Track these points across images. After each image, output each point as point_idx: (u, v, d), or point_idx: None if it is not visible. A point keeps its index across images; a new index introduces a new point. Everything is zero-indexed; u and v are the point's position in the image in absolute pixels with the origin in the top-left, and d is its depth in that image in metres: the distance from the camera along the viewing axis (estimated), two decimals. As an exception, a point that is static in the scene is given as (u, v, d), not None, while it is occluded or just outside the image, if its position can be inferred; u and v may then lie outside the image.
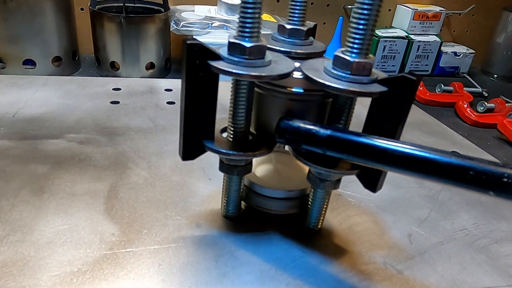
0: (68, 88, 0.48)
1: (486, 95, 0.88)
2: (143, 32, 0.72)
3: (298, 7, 0.29)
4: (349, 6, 0.94)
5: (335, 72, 0.23)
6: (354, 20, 0.22)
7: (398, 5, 0.96)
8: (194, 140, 0.25)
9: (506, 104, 0.77)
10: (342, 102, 0.25)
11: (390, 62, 0.93)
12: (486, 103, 0.79)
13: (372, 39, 0.23)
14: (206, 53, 0.23)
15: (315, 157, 0.25)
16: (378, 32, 0.90)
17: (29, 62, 0.70)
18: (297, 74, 0.25)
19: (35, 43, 0.68)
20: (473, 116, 0.76)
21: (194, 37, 0.74)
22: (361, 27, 0.22)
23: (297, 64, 0.27)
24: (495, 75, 1.02)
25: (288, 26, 0.29)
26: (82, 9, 0.82)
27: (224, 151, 0.25)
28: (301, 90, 0.25)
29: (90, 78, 0.52)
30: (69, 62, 0.75)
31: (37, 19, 0.67)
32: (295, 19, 0.29)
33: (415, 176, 0.20)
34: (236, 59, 0.23)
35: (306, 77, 0.23)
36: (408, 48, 0.91)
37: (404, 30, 0.93)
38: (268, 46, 0.28)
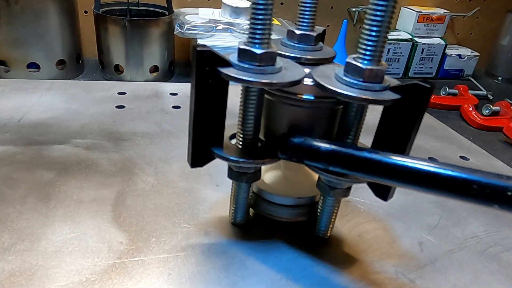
0: (72, 92, 0.48)
1: (491, 97, 0.88)
2: (147, 35, 0.72)
3: (307, 13, 0.28)
4: (353, 9, 0.93)
5: (347, 79, 0.23)
6: (367, 27, 0.22)
7: (402, 8, 0.96)
8: (203, 147, 0.25)
9: (512, 107, 0.77)
10: (354, 110, 0.24)
11: (394, 65, 0.93)
12: (491, 106, 0.79)
13: (384, 45, 0.22)
14: (216, 59, 0.23)
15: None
16: (382, 35, 0.90)
17: (33, 66, 0.70)
18: (307, 81, 0.25)
19: (39, 47, 0.68)
20: (479, 119, 0.76)
21: (198, 40, 0.74)
22: (374, 33, 0.22)
23: (307, 70, 0.27)
24: (500, 78, 1.02)
25: (297, 32, 0.28)
26: (86, 12, 0.82)
27: (233, 158, 0.24)
28: (312, 97, 0.25)
29: (94, 82, 0.51)
30: (73, 65, 0.75)
31: (41, 22, 0.67)
32: (304, 24, 0.28)
33: (418, 190, 0.20)
34: (246, 65, 0.23)
35: (317, 84, 0.23)
36: (412, 50, 0.91)
37: (408, 33, 0.93)
38: (278, 52, 0.28)
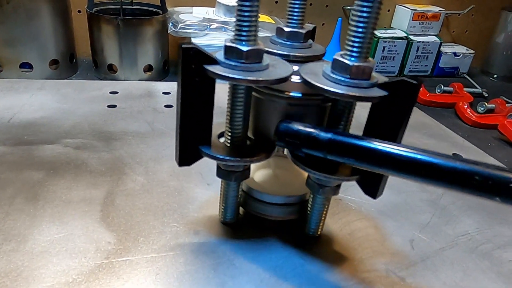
0: (64, 92, 0.47)
1: (486, 95, 0.88)
2: (140, 35, 0.72)
3: (296, 10, 0.28)
4: (348, 7, 0.93)
5: (334, 76, 0.22)
6: (353, 23, 0.22)
7: (397, 6, 0.96)
8: (191, 145, 0.25)
9: (507, 105, 0.77)
10: (342, 106, 0.24)
11: (389, 63, 0.93)
12: (486, 104, 0.79)
13: (372, 42, 0.22)
14: (202, 57, 0.22)
15: (314, 163, 0.25)
16: (377, 33, 0.90)
17: (26, 66, 0.69)
18: (295, 78, 0.24)
19: (31, 47, 0.68)
20: (473, 117, 0.75)
21: (192, 39, 0.73)
22: (360, 30, 0.21)
23: (295, 68, 0.26)
24: (495, 75, 1.02)
25: (286, 29, 0.28)
26: (79, 11, 0.82)
27: (220, 157, 0.24)
28: (300, 95, 0.24)
29: (87, 82, 0.51)
30: (66, 65, 0.75)
31: (34, 22, 0.67)
32: (293, 21, 0.28)
33: (419, 181, 0.20)
34: (233, 63, 0.22)
35: (305, 81, 0.23)
36: (407, 48, 0.91)
37: (403, 31, 0.93)
38: (266, 49, 0.28)
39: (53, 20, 0.69)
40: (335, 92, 0.22)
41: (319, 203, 0.27)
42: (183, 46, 0.22)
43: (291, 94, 0.24)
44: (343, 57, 0.22)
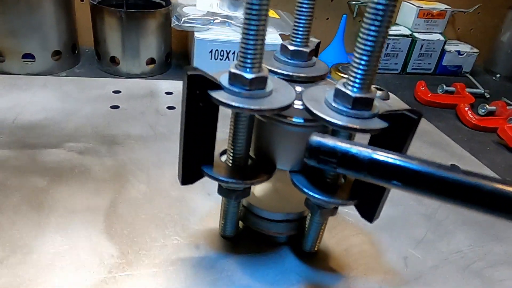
0: (67, 89, 0.48)
1: (488, 96, 0.88)
2: (143, 27, 0.71)
3: (301, 28, 0.28)
4: (353, 2, 0.92)
5: (335, 105, 0.23)
6: (357, 55, 0.22)
7: (403, 2, 0.94)
8: (194, 165, 0.25)
9: (508, 107, 0.77)
10: (343, 133, 0.25)
11: (392, 60, 0.92)
12: (487, 106, 0.79)
13: (376, 73, 0.22)
14: (206, 83, 0.23)
15: (313, 184, 0.25)
16: (382, 30, 0.89)
17: (28, 56, 0.69)
18: (298, 103, 0.25)
19: (34, 37, 0.68)
20: (474, 119, 0.76)
21: (195, 33, 0.73)
22: (363, 62, 0.22)
23: (298, 89, 0.27)
24: (498, 75, 1.02)
25: (290, 47, 0.28)
26: (82, 0, 0.81)
27: (222, 178, 0.25)
28: (301, 120, 0.25)
29: (89, 79, 0.51)
30: (69, 56, 0.74)
31: (36, 12, 0.66)
32: (298, 40, 0.28)
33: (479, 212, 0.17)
34: (236, 89, 0.23)
35: (307, 109, 0.23)
36: (411, 46, 0.91)
37: (408, 28, 0.92)
38: (270, 68, 0.28)
39: (55, 10, 0.69)
40: (335, 123, 0.22)
41: (316, 222, 0.28)
42: (189, 73, 0.22)
43: (293, 119, 0.25)
44: (345, 87, 0.23)
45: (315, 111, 0.23)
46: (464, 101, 0.82)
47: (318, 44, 0.32)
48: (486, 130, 0.75)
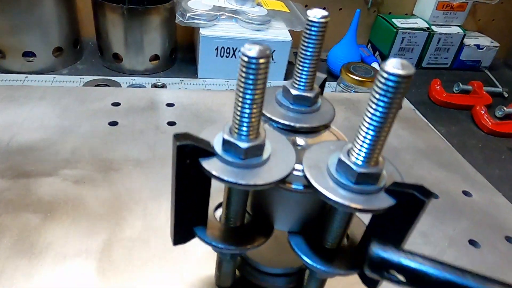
0: (65, 103, 0.46)
1: (507, 95, 0.84)
2: (147, 23, 0.68)
3: (305, 72, 0.26)
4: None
5: (338, 177, 0.21)
6: (364, 127, 0.20)
7: (421, -7, 0.89)
8: (186, 225, 0.24)
9: (527, 112, 0.74)
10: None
11: (407, 55, 0.88)
12: (504, 108, 0.76)
13: (383, 147, 0.20)
14: (198, 152, 0.21)
15: (312, 249, 0.24)
16: (397, 23, 0.85)
17: (29, 54, 0.68)
18: (298, 167, 0.23)
19: (34, 34, 0.66)
20: (490, 123, 0.73)
21: (201, 30, 0.70)
22: (370, 137, 0.20)
23: (301, 142, 0.25)
24: (519, 70, 0.97)
25: (293, 92, 0.26)
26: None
27: (215, 244, 0.23)
28: (301, 187, 0.23)
29: (89, 90, 0.49)
30: (71, 52, 0.72)
31: (36, 8, 0.64)
32: (301, 84, 0.26)
33: None
34: (230, 159, 0.21)
35: (306, 179, 0.21)
36: (428, 40, 0.86)
37: (425, 20, 0.87)
38: (269, 116, 0.26)
39: (56, 5, 0.66)
40: (337, 201, 0.20)
41: (315, 278, 0.26)
42: (178, 143, 0.20)
43: (292, 186, 0.23)
44: (349, 157, 0.21)
45: (315, 185, 0.21)
46: (481, 102, 0.78)
47: (325, 81, 0.30)
48: (503, 136, 0.72)
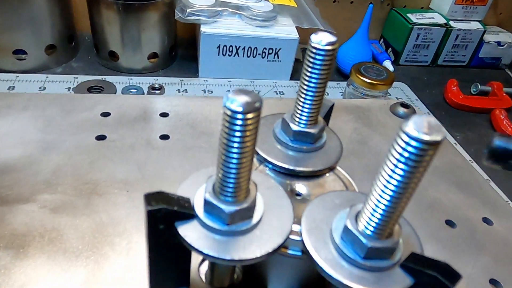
0: (51, 113, 0.43)
1: (528, 98, 0.78)
2: (144, 20, 0.64)
3: (307, 107, 0.22)
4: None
5: (345, 250, 0.17)
6: (376, 194, 0.16)
7: (439, -14, 0.83)
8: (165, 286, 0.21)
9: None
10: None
11: (422, 52, 0.83)
12: (526, 114, 0.71)
13: (400, 217, 0.17)
14: (173, 215, 0.17)
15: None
16: (413, 18, 0.79)
17: (20, 52, 0.64)
18: (296, 227, 0.19)
19: (25, 31, 0.62)
20: (510, 129, 0.68)
21: (201, 27, 0.66)
22: (384, 207, 0.16)
23: (301, 189, 0.21)
24: (542, 69, 0.91)
25: (293, 127, 0.23)
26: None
27: (199, 313, 0.20)
28: (299, 253, 0.19)
29: (77, 98, 0.46)
30: (65, 49, 0.69)
31: (27, 4, 0.60)
32: (303, 119, 0.23)
33: None
34: (213, 224, 0.17)
35: (305, 249, 0.18)
36: (445, 36, 0.81)
37: (442, 15, 0.82)
38: (265, 156, 0.22)
39: (48, 1, 0.62)
40: (339, 281, 0.17)
41: None
42: (149, 209, 0.17)
43: (289, 251, 0.19)
44: (357, 226, 0.17)
45: (315, 259, 0.17)
46: (500, 105, 0.73)
47: (331, 109, 0.26)
48: (523, 143, 0.67)
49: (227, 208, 0.17)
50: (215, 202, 0.17)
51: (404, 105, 0.53)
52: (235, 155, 0.16)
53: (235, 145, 0.15)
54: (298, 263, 0.20)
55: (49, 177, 0.35)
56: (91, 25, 0.67)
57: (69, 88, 0.62)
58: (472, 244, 0.36)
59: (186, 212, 0.18)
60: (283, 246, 0.19)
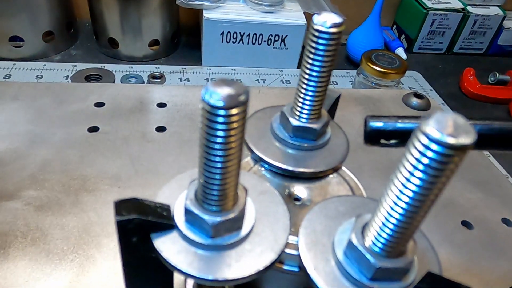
0: (41, 104, 0.40)
1: (550, 88, 0.74)
2: (144, 6, 0.61)
3: (309, 100, 0.20)
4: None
5: (347, 267, 0.15)
6: (386, 206, 0.13)
7: (457, -32, 0.79)
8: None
9: None
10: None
11: (437, 39, 0.79)
12: (548, 105, 0.67)
13: (414, 233, 0.14)
14: (149, 225, 0.15)
15: None
16: (428, 2, 0.75)
17: (17, 39, 0.62)
18: (293, 239, 0.17)
19: (21, 17, 0.59)
20: (531, 122, 0.64)
21: (204, 12, 0.63)
22: (395, 222, 0.13)
23: (300, 192, 0.19)
24: None
25: (293, 122, 0.20)
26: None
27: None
28: (296, 269, 0.17)
29: (71, 87, 0.44)
30: (63, 36, 0.66)
31: (22, -12, 0.58)
32: (304, 113, 0.20)
33: None
34: (194, 236, 0.15)
35: (302, 267, 0.15)
36: (462, 22, 0.76)
37: (459, 0, 0.77)
38: (261, 155, 0.20)
39: (45, -16, 0.60)
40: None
41: None
42: (118, 218, 0.14)
43: (284, 267, 0.17)
44: (364, 242, 0.14)
45: (314, 279, 0.15)
46: (519, 96, 0.69)
47: (337, 101, 0.24)
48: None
49: (211, 219, 0.14)
50: (196, 211, 0.15)
51: (418, 95, 0.49)
52: (218, 158, 0.13)
53: (217, 146, 0.13)
54: (296, 279, 0.18)
55: (36, 172, 0.33)
56: (90, 11, 0.64)
57: (67, 77, 0.60)
58: (491, 248, 0.33)
59: (163, 222, 0.15)
60: (278, 261, 0.17)
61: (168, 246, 0.15)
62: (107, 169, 0.34)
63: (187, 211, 0.15)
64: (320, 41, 0.17)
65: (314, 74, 0.18)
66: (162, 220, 0.15)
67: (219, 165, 0.13)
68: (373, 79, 0.62)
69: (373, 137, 0.17)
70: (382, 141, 0.17)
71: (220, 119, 0.12)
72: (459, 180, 0.39)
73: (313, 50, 0.18)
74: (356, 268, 0.15)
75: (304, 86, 0.19)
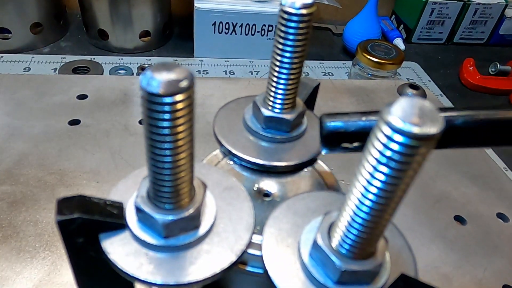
0: (22, 96, 0.39)
1: (552, 78, 0.72)
2: (134, -5, 0.60)
3: (282, 88, 0.18)
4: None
5: (312, 270, 0.13)
6: (351, 205, 0.12)
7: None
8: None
9: None
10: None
11: (436, 29, 0.77)
12: (550, 96, 0.65)
13: (383, 232, 0.13)
14: (94, 226, 0.14)
15: None
16: (427, -9, 0.73)
17: (4, 31, 0.60)
18: (257, 238, 0.16)
19: (8, 8, 0.58)
20: (531, 113, 0.62)
21: (195, 2, 0.61)
22: (361, 221, 0.12)
23: (270, 187, 0.17)
24: None
25: (265, 113, 0.19)
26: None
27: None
28: (260, 271, 0.16)
29: (53, 78, 0.42)
30: (52, 27, 0.65)
31: (8, -22, 0.56)
32: (277, 103, 0.19)
33: None
34: (146, 237, 0.14)
35: (266, 273, 0.14)
36: (462, 11, 0.74)
37: (460, -11, 0.75)
38: (230, 148, 0.18)
39: (32, -26, 0.58)
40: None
41: None
42: (59, 218, 0.13)
43: (247, 268, 0.16)
44: (330, 242, 0.13)
45: (276, 283, 0.13)
46: (521, 87, 0.68)
47: (316, 90, 0.22)
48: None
49: (162, 218, 0.13)
50: (147, 209, 0.13)
51: (413, 86, 0.48)
52: (164, 152, 0.12)
53: (161, 138, 0.12)
54: (263, 281, 0.17)
55: (11, 166, 0.32)
56: (79, 1, 0.63)
57: (55, 69, 0.58)
58: (485, 245, 0.32)
59: (112, 221, 0.14)
60: (240, 262, 0.16)
61: (116, 248, 0.14)
62: (85, 163, 0.33)
63: (138, 210, 0.14)
64: (290, 24, 0.16)
65: (286, 60, 0.17)
66: (111, 219, 0.14)
67: (167, 159, 0.12)
68: (369, 70, 0.60)
69: (332, 140, 0.14)
70: (344, 144, 0.14)
71: (160, 108, 0.11)
72: (453, 173, 0.38)
73: (282, 35, 0.16)
74: (322, 270, 0.13)
75: (275, 74, 0.18)
